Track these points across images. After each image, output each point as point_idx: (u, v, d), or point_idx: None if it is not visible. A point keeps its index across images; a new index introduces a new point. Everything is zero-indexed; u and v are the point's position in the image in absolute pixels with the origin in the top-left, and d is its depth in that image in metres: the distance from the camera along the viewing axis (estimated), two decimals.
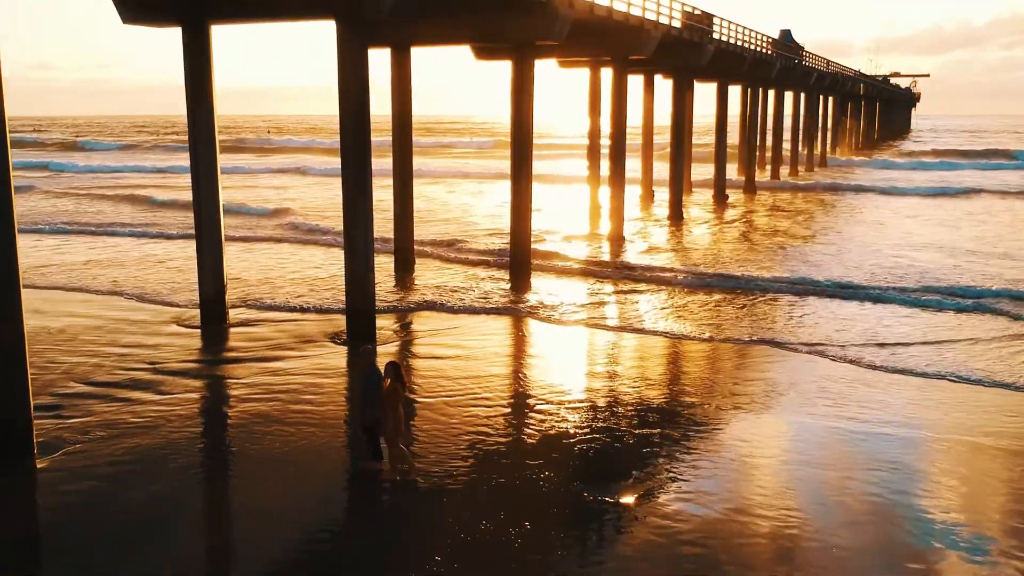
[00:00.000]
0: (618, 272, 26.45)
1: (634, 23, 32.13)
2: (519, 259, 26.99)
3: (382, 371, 12.44)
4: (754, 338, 19.97)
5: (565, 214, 41.88)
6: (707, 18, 41.51)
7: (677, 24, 37.01)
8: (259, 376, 17.35)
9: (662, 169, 45.19)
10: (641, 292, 24.76)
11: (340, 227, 36.15)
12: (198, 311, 22.05)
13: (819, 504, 11.92)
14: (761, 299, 23.61)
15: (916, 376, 17.43)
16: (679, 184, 41.70)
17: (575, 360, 18.93)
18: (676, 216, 41.23)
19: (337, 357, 18.98)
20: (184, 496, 12.29)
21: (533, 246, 28.13)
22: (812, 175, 66.92)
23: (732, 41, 46.08)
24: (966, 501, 12.02)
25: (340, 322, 21.14)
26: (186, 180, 63.55)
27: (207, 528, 11.83)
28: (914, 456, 13.56)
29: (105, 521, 11.32)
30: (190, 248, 32.10)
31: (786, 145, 69.38)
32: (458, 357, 18.82)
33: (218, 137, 21.96)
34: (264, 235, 36.45)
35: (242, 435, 14.35)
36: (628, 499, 12.02)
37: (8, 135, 12.73)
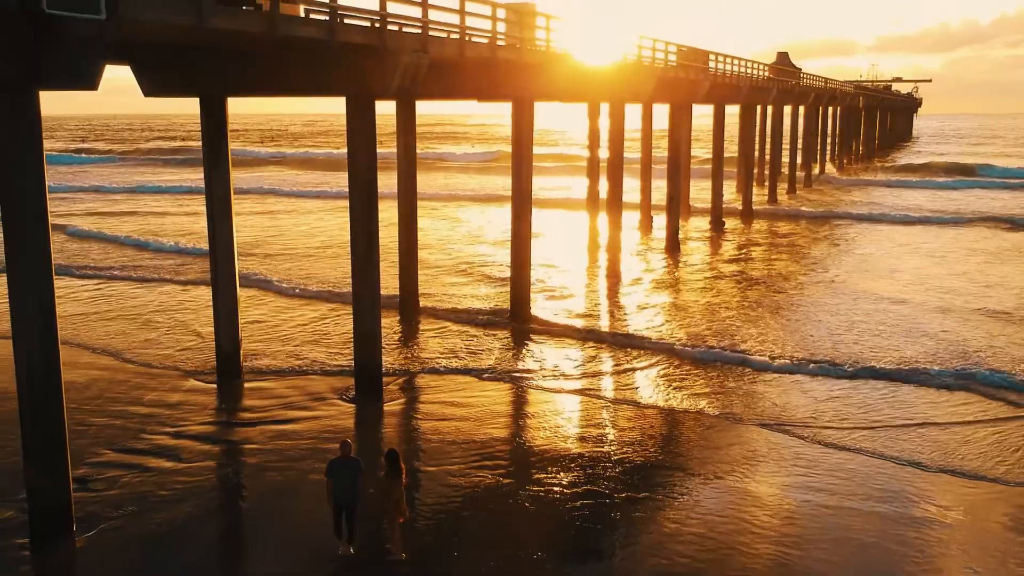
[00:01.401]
0: (615, 338, 26.59)
1: (629, 73, 33.37)
2: (519, 304, 28.44)
3: (384, 458, 13.76)
4: (730, 413, 20.88)
5: (564, 241, 43.17)
6: (703, 55, 42.80)
7: (673, 64, 38.29)
8: (275, 441, 18.65)
9: (661, 185, 45.59)
10: (635, 359, 24.83)
11: (280, 274, 36.17)
12: (207, 360, 23.84)
13: None
14: (747, 375, 23.55)
15: (889, 461, 18.39)
16: (676, 216, 42.99)
17: (570, 428, 19.96)
18: (673, 248, 42.55)
19: (346, 417, 20.31)
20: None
21: (532, 285, 29.54)
22: (809, 194, 68.16)
23: (728, 72, 47.35)
24: None
25: (346, 376, 22.47)
26: (129, 205, 61.56)
27: None
28: (884, 538, 14.82)
29: None
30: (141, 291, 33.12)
31: (785, 158, 70.62)
32: (461, 419, 20.08)
33: (233, 197, 23.22)
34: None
35: (262, 510, 15.70)
36: None
37: (48, 212, 13.94)
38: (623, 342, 26.26)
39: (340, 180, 75.02)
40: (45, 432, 13.86)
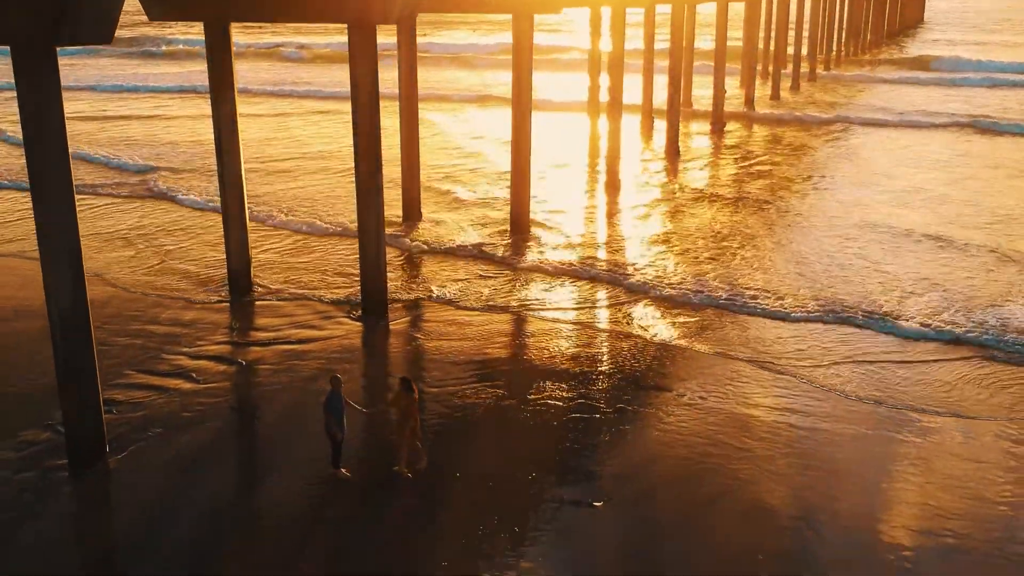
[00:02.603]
0: (612, 268, 26.38)
1: None
2: (518, 222, 29.28)
3: (401, 386, 14.97)
4: (715, 347, 21.59)
5: (564, 148, 43.46)
6: None
7: None
8: (288, 361, 19.82)
9: (663, 80, 44.88)
10: (628, 293, 24.64)
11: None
12: (212, 276, 25.37)
13: (766, 508, 14.55)
14: (728, 315, 23.19)
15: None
16: (675, 123, 43.29)
17: (564, 351, 20.83)
18: (672, 153, 43.04)
19: (354, 336, 21.46)
20: (237, 495, 14.93)
21: (532, 205, 30.23)
22: (813, 90, 67.87)
23: None
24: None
25: (353, 292, 23.62)
26: (116, 107, 59.39)
27: (261, 530, 14.37)
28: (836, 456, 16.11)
29: (182, 520, 14.00)
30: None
31: (790, 50, 69.88)
32: (462, 339, 21.19)
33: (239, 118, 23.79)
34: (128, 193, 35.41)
35: (279, 432, 16.98)
36: (599, 503, 14.62)
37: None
38: (618, 275, 25.96)
39: (323, 77, 73.91)
40: (77, 366, 14.96)
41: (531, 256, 27.62)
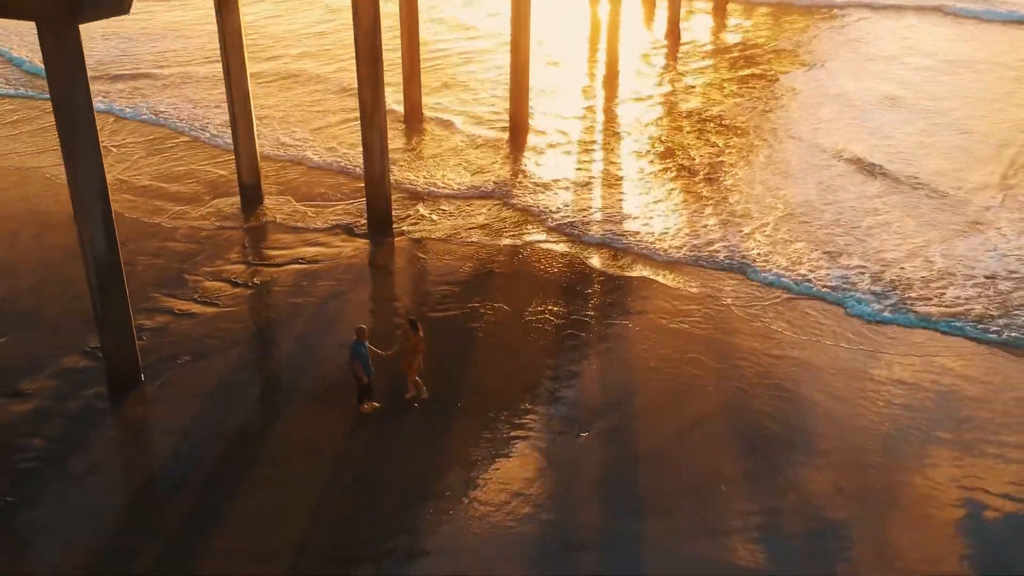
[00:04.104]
0: (608, 207, 25.92)
1: None
2: (516, 127, 30.00)
3: (408, 326, 16.56)
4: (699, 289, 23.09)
5: (563, 30, 43.20)
6: None
7: None
8: (302, 281, 21.25)
9: None
10: (630, 227, 24.59)
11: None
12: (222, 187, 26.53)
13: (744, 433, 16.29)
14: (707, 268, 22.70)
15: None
16: (677, 7, 43.10)
17: (559, 277, 21.88)
18: (673, 39, 43.04)
19: (362, 255, 22.77)
20: (265, 420, 16.61)
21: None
22: None
23: None
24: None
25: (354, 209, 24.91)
26: None
27: (286, 453, 16.08)
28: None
29: (217, 446, 15.75)
30: None
31: None
32: (463, 259, 22.50)
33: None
34: None
35: (298, 358, 18.52)
36: (585, 433, 16.33)
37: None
38: (614, 213, 25.49)
39: None
40: (113, 306, 16.42)
41: (528, 166, 28.55)
